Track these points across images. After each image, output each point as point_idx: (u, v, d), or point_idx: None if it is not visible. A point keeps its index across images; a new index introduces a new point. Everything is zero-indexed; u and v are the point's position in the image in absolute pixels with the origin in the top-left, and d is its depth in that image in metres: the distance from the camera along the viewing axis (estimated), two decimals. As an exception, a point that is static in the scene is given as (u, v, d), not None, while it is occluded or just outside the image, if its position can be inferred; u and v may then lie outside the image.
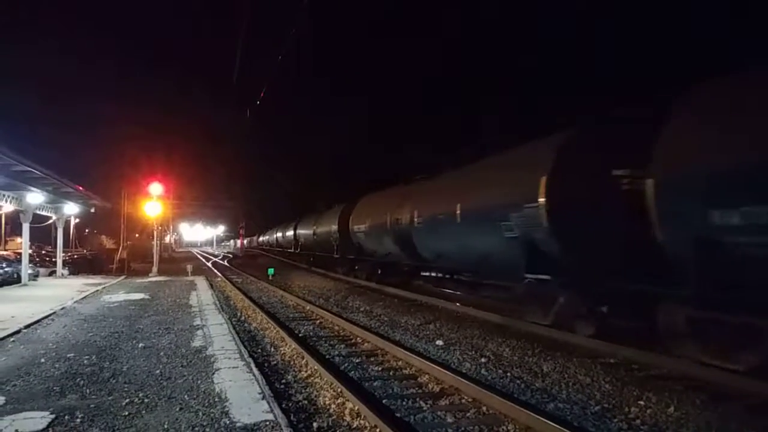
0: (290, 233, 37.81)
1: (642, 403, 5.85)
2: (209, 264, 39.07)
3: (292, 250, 37.20)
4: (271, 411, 5.35)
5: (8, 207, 20.46)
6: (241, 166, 53.70)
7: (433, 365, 7.13)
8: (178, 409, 5.49)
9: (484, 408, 5.72)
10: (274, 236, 49.24)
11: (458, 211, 12.10)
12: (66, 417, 5.27)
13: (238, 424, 5.02)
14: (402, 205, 15.95)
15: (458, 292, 14.83)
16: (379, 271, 19.36)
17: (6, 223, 37.19)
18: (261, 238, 64.26)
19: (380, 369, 7.59)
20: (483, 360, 7.94)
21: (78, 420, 5.19)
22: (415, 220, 14.68)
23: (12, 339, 9.28)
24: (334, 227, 23.62)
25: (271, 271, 24.60)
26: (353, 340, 9.59)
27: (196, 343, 8.94)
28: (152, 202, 28.76)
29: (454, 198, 12.58)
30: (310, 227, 30.07)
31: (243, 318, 12.43)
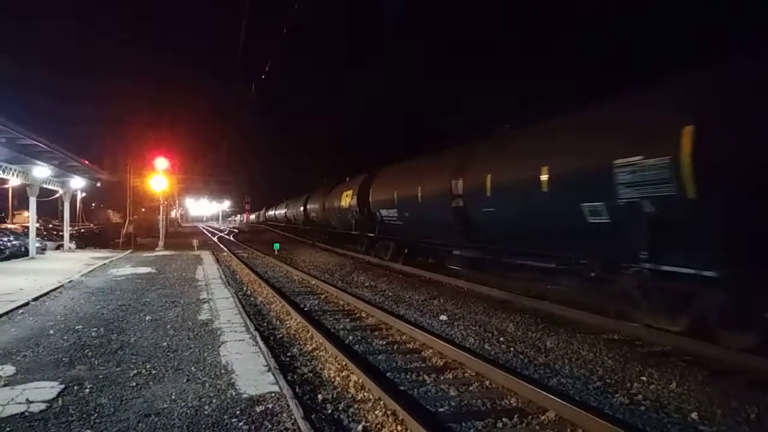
0: (336, 204, 23.04)
1: (644, 378, 5.88)
2: (215, 239, 39.24)
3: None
4: (277, 383, 5.42)
5: (15, 181, 20.53)
6: (247, 140, 53.49)
7: (437, 340, 7.19)
8: (185, 381, 5.57)
9: (487, 382, 5.78)
10: (298, 209, 37.47)
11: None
12: (75, 387, 5.36)
13: (244, 396, 5.10)
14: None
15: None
16: None
17: (13, 197, 37.41)
18: (270, 213, 63.62)
19: (384, 343, 7.65)
20: (487, 335, 7.99)
21: (87, 390, 5.28)
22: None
23: (21, 311, 9.41)
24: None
25: (276, 246, 24.72)
26: (358, 315, 9.67)
27: (203, 316, 9.04)
28: (158, 177, 28.77)
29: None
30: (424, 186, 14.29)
31: (249, 292, 12.53)
